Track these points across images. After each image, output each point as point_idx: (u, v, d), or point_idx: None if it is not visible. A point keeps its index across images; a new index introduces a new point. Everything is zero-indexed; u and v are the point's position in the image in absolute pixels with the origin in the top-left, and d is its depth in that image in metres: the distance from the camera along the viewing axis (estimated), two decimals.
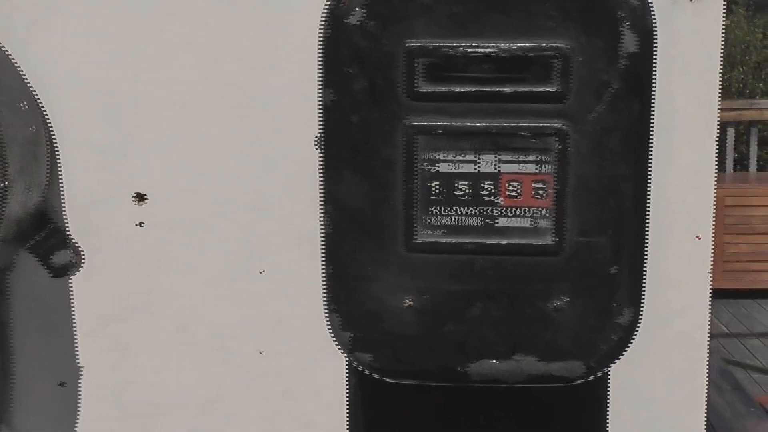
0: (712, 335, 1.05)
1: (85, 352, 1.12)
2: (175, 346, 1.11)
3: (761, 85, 10.36)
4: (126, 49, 1.04)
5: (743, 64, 10.49)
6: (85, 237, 1.08)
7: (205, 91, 1.04)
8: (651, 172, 0.90)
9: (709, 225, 1.04)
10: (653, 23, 0.87)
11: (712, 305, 1.05)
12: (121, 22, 1.04)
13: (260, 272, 1.08)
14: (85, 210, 1.08)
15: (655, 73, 0.89)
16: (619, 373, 1.02)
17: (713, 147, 1.02)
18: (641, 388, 1.07)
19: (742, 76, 10.29)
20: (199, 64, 1.04)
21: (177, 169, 1.06)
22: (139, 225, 1.08)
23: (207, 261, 1.08)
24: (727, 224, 5.96)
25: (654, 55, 0.88)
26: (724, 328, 5.62)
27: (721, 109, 1.04)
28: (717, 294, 1.04)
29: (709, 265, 1.05)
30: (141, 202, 1.07)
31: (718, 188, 1.03)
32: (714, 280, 1.05)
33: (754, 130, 6.76)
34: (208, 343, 1.10)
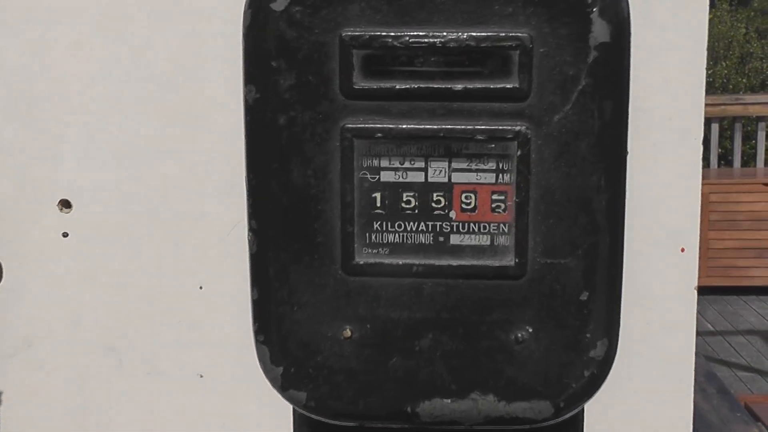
0: (697, 333, 1.02)
1: (4, 376, 1.07)
2: (104, 369, 1.06)
3: (744, 80, 10.48)
4: (43, 39, 0.99)
5: (726, 59, 10.59)
6: (3, 248, 1.04)
7: (131, 87, 0.99)
8: (627, 181, 0.82)
9: (695, 236, 0.98)
10: (627, 10, 0.78)
11: (697, 303, 1.00)
12: (39, 17, 0.99)
13: (199, 288, 1.03)
14: (1, 218, 1.04)
15: (631, 68, 0.79)
16: (593, 409, 0.93)
17: (698, 149, 0.97)
18: (619, 424, 1.00)
19: (725, 71, 10.40)
20: (125, 59, 0.98)
21: (103, 173, 1.01)
22: (64, 235, 1.03)
23: (138, 274, 1.03)
24: (712, 220, 6.03)
25: (628, 46, 0.78)
26: (709, 326, 5.67)
27: (706, 105, 0.99)
28: (701, 291, 1.01)
29: (695, 281, 0.98)
30: (66, 210, 1.03)
31: (702, 184, 0.98)
32: (699, 276, 0.99)
33: (738, 126, 6.85)
34: (139, 367, 1.06)
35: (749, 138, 7.45)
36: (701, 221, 1.00)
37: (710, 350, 5.23)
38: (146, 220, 1.01)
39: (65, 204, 1.01)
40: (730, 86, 10.12)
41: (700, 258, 0.98)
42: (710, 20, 0.95)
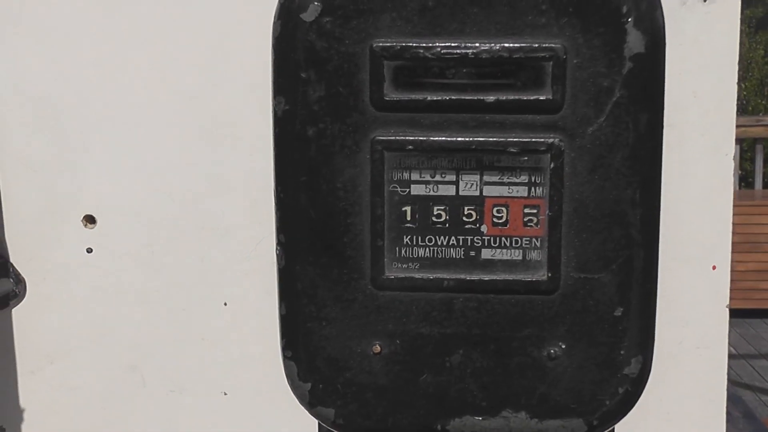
0: None
1: (26, 393, 1.06)
2: (127, 387, 1.05)
3: (764, 102, 10.44)
4: (69, 55, 0.98)
5: (745, 80, 10.56)
6: (28, 264, 1.03)
7: (156, 103, 0.98)
8: (661, 195, 0.80)
9: (726, 254, 0.97)
10: (663, 20, 0.76)
11: None
12: (65, 32, 0.98)
13: (224, 304, 1.02)
14: (27, 234, 1.03)
15: (665, 80, 0.78)
16: (625, 428, 0.90)
17: (730, 165, 0.96)
18: None
19: (744, 93, 10.37)
20: (150, 74, 0.98)
21: (128, 188, 1.01)
22: (89, 251, 1.02)
23: (162, 291, 1.02)
24: (734, 242, 5.90)
25: (663, 57, 0.77)
26: (732, 349, 5.58)
27: None
28: None
29: (726, 299, 0.97)
30: (90, 225, 1.02)
31: None
32: None
33: (759, 147, 6.80)
34: (162, 384, 1.04)
35: None
36: None
37: (733, 374, 5.16)
38: (171, 235, 1.00)
39: (90, 219, 1.01)
40: (750, 108, 10.08)
41: None
42: None
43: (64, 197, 1.00)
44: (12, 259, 1.02)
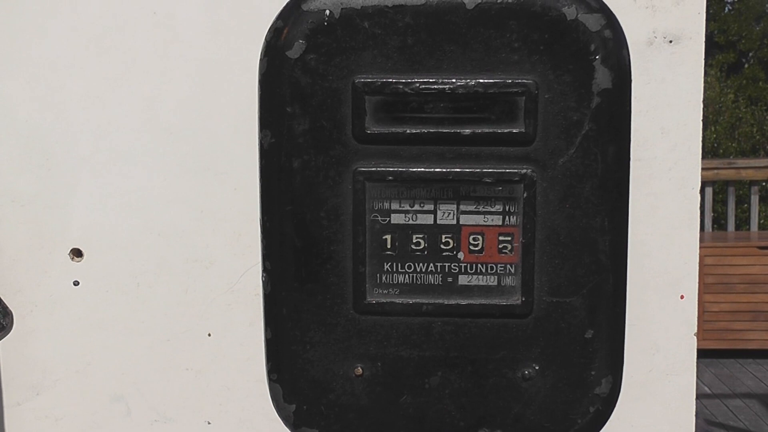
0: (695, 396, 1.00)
1: (13, 424, 1.06)
2: (112, 417, 1.05)
3: (735, 145, 10.54)
4: (60, 96, 1.00)
5: (716, 123, 10.67)
6: (15, 297, 1.03)
7: (142, 138, 1.00)
8: (629, 224, 0.84)
9: (693, 283, 0.98)
10: (629, 58, 0.81)
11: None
12: (54, 68, 0.99)
13: (208, 335, 1.01)
14: (15, 267, 1.03)
15: (632, 114, 0.83)
16: None
17: (696, 198, 0.96)
18: None
19: (715, 136, 10.47)
20: (136, 109, 0.99)
21: (114, 222, 1.01)
22: (75, 284, 1.03)
23: (148, 322, 1.03)
24: (708, 283, 5.99)
25: (630, 93, 0.82)
26: (707, 389, 5.60)
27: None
28: (698, 354, 1.00)
29: (694, 327, 0.98)
30: (77, 259, 1.02)
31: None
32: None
33: (731, 189, 6.84)
34: (147, 414, 1.04)
35: (742, 202, 7.45)
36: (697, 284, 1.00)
37: (708, 413, 5.16)
38: (156, 268, 1.01)
39: (76, 253, 1.01)
40: (721, 150, 10.18)
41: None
42: None
43: (52, 231, 1.01)
44: (0, 292, 1.02)
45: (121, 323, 1.03)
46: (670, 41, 0.92)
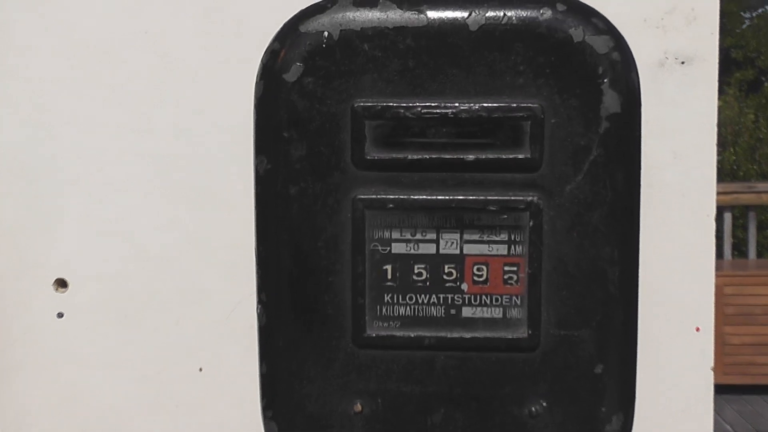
0: None
1: None
2: None
3: (755, 167, 10.54)
4: (45, 120, 1.00)
5: (736, 145, 10.68)
6: None
7: (133, 165, 1.00)
8: (640, 257, 0.86)
9: (709, 314, 0.98)
10: (638, 81, 0.83)
11: (714, 402, 0.99)
12: (39, 91, 1.00)
13: (199, 370, 1.01)
14: None
15: (642, 139, 0.84)
16: None
17: (711, 226, 0.96)
18: None
19: (734, 158, 10.48)
20: (127, 134, 0.99)
21: (102, 250, 1.01)
22: (59, 315, 1.03)
23: (136, 356, 1.03)
24: (728, 314, 5.92)
25: (639, 117, 0.83)
26: (728, 427, 5.57)
27: (716, 193, 1.00)
28: (719, 390, 1.00)
29: (711, 361, 0.99)
30: (61, 289, 1.02)
31: (716, 276, 0.98)
32: (715, 374, 0.99)
33: (752, 215, 6.82)
34: None
35: (763, 227, 7.43)
36: (716, 315, 1.01)
37: None
38: (146, 298, 1.01)
39: (61, 283, 1.02)
40: (741, 173, 10.17)
41: (715, 354, 0.99)
42: (718, 106, 0.97)
43: (34, 260, 1.02)
44: None
45: (108, 357, 1.03)
46: (682, 62, 0.93)
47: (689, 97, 0.94)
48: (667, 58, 0.92)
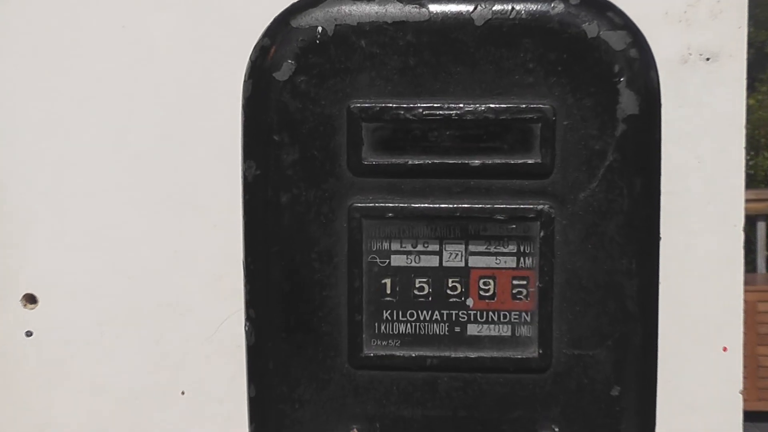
0: None
1: None
2: None
3: None
4: (12, 116, 1.01)
5: None
6: None
7: (109, 171, 1.00)
8: (660, 270, 0.85)
9: (738, 333, 0.99)
10: (657, 80, 0.83)
11: (744, 429, 0.99)
12: (6, 91, 1.00)
13: (181, 393, 1.01)
14: None
15: (663, 143, 0.84)
16: None
17: (739, 237, 0.97)
18: None
19: None
20: (102, 138, 1.00)
21: (75, 263, 1.02)
22: (28, 334, 1.03)
23: (113, 378, 1.03)
24: (762, 333, 5.85)
25: (659, 119, 0.83)
26: None
27: (749, 200, 1.00)
28: (752, 416, 1.00)
29: (740, 384, 0.99)
30: (30, 306, 1.03)
31: (748, 291, 0.98)
32: (747, 400, 0.99)
33: None
34: None
35: None
36: (747, 334, 1.01)
37: None
38: (123, 315, 1.01)
39: (29, 299, 1.02)
40: None
41: (747, 378, 1.00)
42: (750, 105, 0.97)
43: (2, 275, 1.02)
44: None
45: (82, 379, 1.03)
46: (707, 59, 0.94)
47: (715, 96, 0.94)
48: (690, 54, 0.93)
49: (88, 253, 1.01)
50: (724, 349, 0.98)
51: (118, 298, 1.02)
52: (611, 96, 0.81)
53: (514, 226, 0.83)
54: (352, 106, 0.82)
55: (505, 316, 0.84)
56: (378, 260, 0.84)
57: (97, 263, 1.01)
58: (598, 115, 0.81)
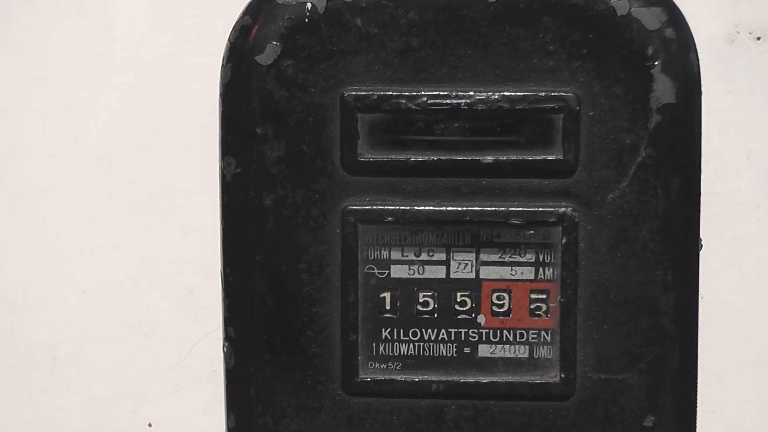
0: None
1: None
2: None
3: None
4: None
5: None
6: None
7: (63, 166, 1.04)
8: (700, 278, 0.86)
9: None
10: (697, 65, 0.84)
11: None
12: None
13: (148, 425, 1.03)
14: None
15: (704, 136, 0.85)
16: None
17: None
18: None
19: None
20: (55, 129, 1.04)
21: (23, 277, 1.06)
22: None
23: (68, 409, 1.06)
24: None
25: (699, 109, 0.84)
26: None
27: None
28: None
29: None
30: None
31: None
32: None
33: None
34: None
35: None
36: None
37: None
38: (81, 336, 1.03)
39: None
40: None
41: None
42: None
43: None
44: None
45: (33, 410, 1.05)
46: (758, 38, 0.95)
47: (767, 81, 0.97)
48: (738, 32, 0.94)
49: (37, 265, 1.04)
50: None
51: (74, 317, 1.04)
52: (644, 82, 0.83)
53: (531, 231, 0.85)
54: (346, 95, 0.84)
55: (521, 336, 0.86)
56: (376, 271, 0.86)
57: (48, 276, 1.04)
58: (628, 105, 0.83)
